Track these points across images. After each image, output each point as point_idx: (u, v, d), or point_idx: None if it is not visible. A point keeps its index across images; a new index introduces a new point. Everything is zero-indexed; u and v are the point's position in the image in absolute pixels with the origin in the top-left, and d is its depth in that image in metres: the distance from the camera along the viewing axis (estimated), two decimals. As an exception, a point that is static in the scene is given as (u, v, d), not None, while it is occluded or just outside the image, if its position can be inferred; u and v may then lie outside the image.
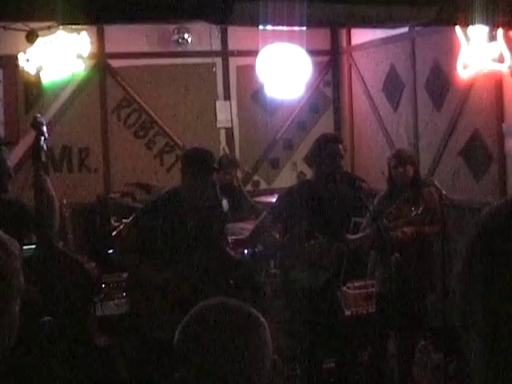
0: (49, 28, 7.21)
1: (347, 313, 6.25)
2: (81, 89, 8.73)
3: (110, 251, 6.95)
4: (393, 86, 8.45)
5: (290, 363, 6.05)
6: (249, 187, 9.26)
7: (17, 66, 8.05)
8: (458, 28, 6.87)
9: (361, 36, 9.08)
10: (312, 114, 9.68)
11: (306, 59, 8.64)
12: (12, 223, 4.66)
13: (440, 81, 7.57)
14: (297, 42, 8.26)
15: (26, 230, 4.95)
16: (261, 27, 5.59)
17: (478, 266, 1.17)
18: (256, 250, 6.31)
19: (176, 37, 8.90)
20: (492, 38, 6.58)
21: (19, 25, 7.10)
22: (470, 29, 6.73)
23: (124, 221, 7.41)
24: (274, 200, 6.19)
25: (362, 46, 9.08)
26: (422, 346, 6.60)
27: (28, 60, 7.95)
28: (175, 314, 4.84)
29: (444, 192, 5.71)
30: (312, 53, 8.77)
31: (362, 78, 9.11)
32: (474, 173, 7.16)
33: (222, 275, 5.31)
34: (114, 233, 7.61)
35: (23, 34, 7.16)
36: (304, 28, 5.65)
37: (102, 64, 8.83)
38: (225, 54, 9.33)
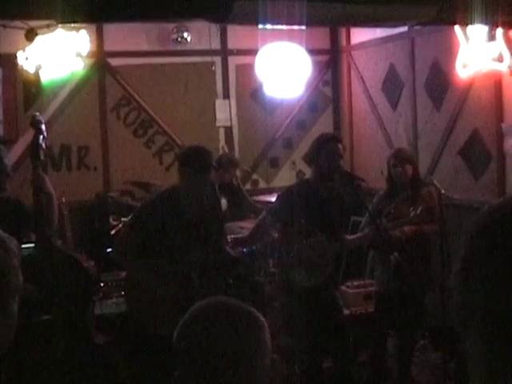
0: (48, 26, 7.20)
1: (346, 312, 6.25)
2: (80, 87, 8.72)
3: (109, 250, 6.95)
4: (392, 85, 8.45)
5: (289, 363, 6.05)
6: (248, 186, 9.26)
7: (16, 64, 8.04)
8: (457, 27, 6.87)
9: (360, 35, 9.08)
10: (311, 113, 9.68)
11: (306, 58, 8.63)
12: (10, 222, 4.67)
13: (439, 80, 7.57)
14: (296, 41, 8.25)
15: (24, 229, 4.94)
16: (260, 26, 5.58)
17: (477, 264, 1.17)
18: (254, 248, 6.31)
19: (175, 35, 8.89)
20: (491, 37, 6.58)
21: (18, 23, 7.09)
22: (470, 28, 6.73)
23: (123, 219, 7.41)
24: (273, 199, 6.19)
25: (362, 46, 9.08)
26: (421, 345, 6.60)
27: (27, 58, 7.94)
28: (174, 312, 4.84)
29: (443, 191, 5.71)
30: (311, 52, 8.76)
31: (362, 77, 9.11)
32: (473, 172, 7.16)
33: (220, 273, 5.31)
34: (112, 231, 7.61)
35: (22, 33, 7.15)
36: (303, 27, 5.64)
37: (101, 62, 8.83)
38: (224, 52, 9.33)
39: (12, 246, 1.78)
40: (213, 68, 9.25)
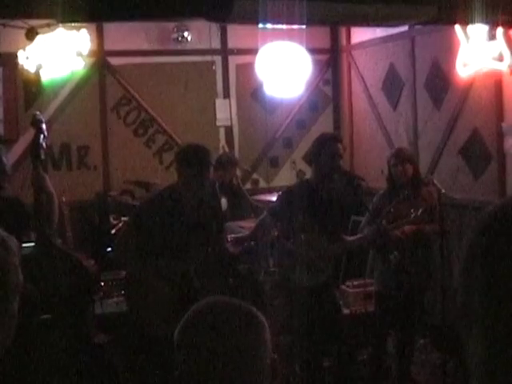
0: (48, 26, 7.20)
1: (346, 311, 6.25)
2: (80, 87, 8.72)
3: (109, 249, 6.96)
4: (392, 84, 8.45)
5: (289, 362, 6.05)
6: (248, 186, 9.26)
7: (16, 63, 8.04)
8: (457, 27, 6.87)
9: (360, 34, 9.08)
10: (311, 112, 9.68)
11: (306, 57, 8.63)
12: (10, 221, 4.67)
13: (440, 80, 7.57)
14: (296, 41, 8.25)
15: (24, 228, 4.95)
16: (260, 25, 5.58)
17: (480, 263, 1.17)
18: (253, 243, 6.29)
19: (175, 35, 8.89)
20: (492, 36, 6.58)
21: (19, 22, 7.10)
22: (470, 27, 6.73)
23: (123, 219, 7.41)
24: (273, 198, 6.19)
25: (362, 45, 9.08)
26: (421, 344, 6.61)
27: (27, 58, 7.94)
28: (174, 312, 4.84)
29: (443, 191, 5.71)
30: (312, 51, 8.76)
31: (362, 76, 9.11)
32: (473, 172, 7.16)
33: (221, 272, 5.31)
34: (113, 231, 7.61)
35: (23, 32, 7.15)
36: (304, 26, 5.64)
37: (101, 62, 8.83)
38: (224, 52, 9.33)
39: (12, 244, 1.77)
40: (213, 67, 9.25)
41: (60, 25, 7.33)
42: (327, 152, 5.43)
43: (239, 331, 2.01)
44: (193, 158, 5.11)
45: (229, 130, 9.36)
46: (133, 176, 8.70)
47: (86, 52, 8.22)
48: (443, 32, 7.27)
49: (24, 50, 7.91)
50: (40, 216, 4.73)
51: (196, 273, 5.12)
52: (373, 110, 8.86)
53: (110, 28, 8.66)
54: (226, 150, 9.07)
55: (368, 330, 6.16)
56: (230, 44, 9.31)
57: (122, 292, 6.28)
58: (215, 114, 9.28)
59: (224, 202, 7.37)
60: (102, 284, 6.54)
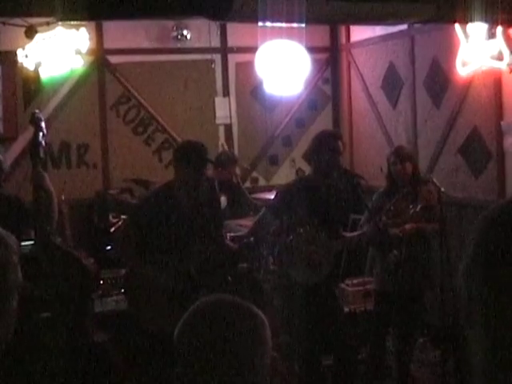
0: (48, 24, 7.19)
1: (345, 310, 6.25)
2: (79, 85, 8.72)
3: (109, 247, 6.96)
4: (392, 83, 8.45)
5: (289, 360, 6.05)
6: (247, 184, 9.26)
7: (15, 61, 8.04)
8: (457, 25, 6.87)
9: (360, 33, 9.07)
10: (311, 110, 9.67)
11: (305, 56, 8.62)
12: (10, 219, 4.67)
13: (439, 78, 7.57)
14: (296, 39, 8.24)
15: (24, 226, 4.95)
16: (260, 24, 5.58)
17: (483, 263, 1.17)
18: (252, 239, 6.28)
19: (175, 33, 8.89)
20: (491, 35, 6.58)
21: (18, 20, 7.09)
22: (469, 26, 6.73)
23: (122, 217, 7.41)
24: (272, 197, 6.18)
25: (361, 43, 9.08)
26: (421, 343, 6.61)
27: (27, 56, 7.94)
28: (174, 309, 4.85)
29: (443, 189, 5.71)
30: (311, 50, 8.75)
31: (361, 75, 9.10)
32: (472, 170, 7.16)
33: (220, 269, 5.30)
34: (112, 229, 7.61)
35: (22, 30, 7.14)
36: (303, 25, 5.64)
37: (100, 60, 8.82)
38: (224, 50, 9.32)
39: (11, 242, 1.78)
40: (212, 65, 9.24)
41: (59, 23, 7.33)
42: (327, 149, 5.43)
43: (240, 330, 2.01)
44: (190, 155, 5.10)
45: (228, 128, 9.36)
46: (132, 174, 8.70)
47: (85, 50, 8.22)
48: (443, 31, 7.27)
49: (23, 48, 7.90)
50: (39, 214, 4.73)
51: (196, 270, 5.12)
52: (372, 109, 8.86)
53: (110, 26, 8.65)
54: (226, 148, 9.06)
55: (367, 328, 6.16)
56: (230, 42, 9.30)
57: (122, 290, 6.29)
58: (215, 112, 9.28)
59: (223, 200, 7.36)
60: (102, 282, 6.54)
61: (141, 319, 5.16)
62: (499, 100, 6.75)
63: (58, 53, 7.96)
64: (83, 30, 8.09)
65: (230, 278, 5.42)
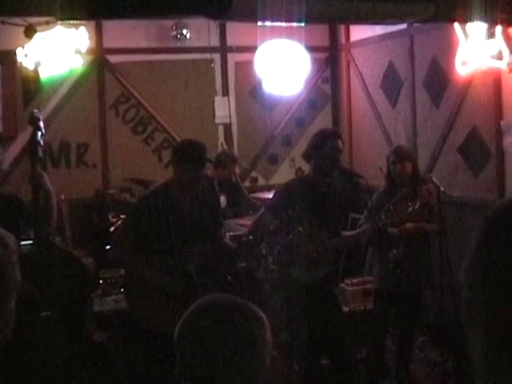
0: (47, 23, 7.18)
1: (345, 309, 6.25)
2: (79, 84, 8.72)
3: (108, 247, 6.95)
4: (391, 82, 8.45)
5: (288, 359, 6.05)
6: (247, 183, 9.26)
7: (15, 61, 8.04)
8: (456, 25, 6.86)
9: (359, 32, 9.08)
10: (310, 110, 9.68)
11: (305, 55, 8.63)
12: (9, 218, 4.67)
13: (438, 78, 7.57)
14: (295, 38, 8.25)
15: (23, 226, 4.95)
16: (259, 23, 5.58)
17: (485, 262, 1.17)
18: (251, 237, 6.27)
19: (174, 32, 8.89)
20: (491, 34, 6.58)
21: (17, 20, 7.07)
22: (469, 25, 6.72)
23: (122, 216, 7.41)
24: (271, 196, 6.17)
25: (361, 43, 9.08)
26: (420, 342, 6.61)
27: (26, 55, 7.94)
28: (173, 309, 4.84)
29: (442, 189, 5.71)
30: (310, 49, 8.77)
31: (361, 74, 9.10)
32: (472, 170, 7.16)
33: (219, 268, 5.30)
34: (111, 228, 7.61)
35: (21, 29, 7.13)
36: (302, 24, 5.64)
37: (100, 59, 8.82)
38: (223, 49, 9.32)
39: (10, 242, 1.78)
40: (212, 65, 9.24)
41: (59, 22, 7.33)
42: (327, 147, 5.42)
43: (239, 329, 2.00)
44: (188, 154, 5.10)
45: (228, 128, 9.36)
46: (132, 174, 8.70)
47: (84, 50, 8.22)
48: (442, 30, 7.26)
49: (23, 47, 7.91)
50: (38, 214, 4.73)
51: (195, 270, 5.12)
52: (372, 108, 8.86)
53: (109, 26, 8.65)
54: (225, 147, 9.07)
55: (367, 327, 6.16)
56: (229, 42, 9.30)
57: (121, 290, 6.29)
58: (214, 112, 9.28)
59: (223, 199, 7.36)
60: (101, 282, 6.54)
61: (140, 319, 5.15)
62: (499, 99, 6.75)
63: (57, 52, 7.96)
64: (83, 29, 8.09)
65: (229, 277, 5.42)
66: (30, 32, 7.10)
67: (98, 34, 8.73)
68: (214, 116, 9.28)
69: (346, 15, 5.57)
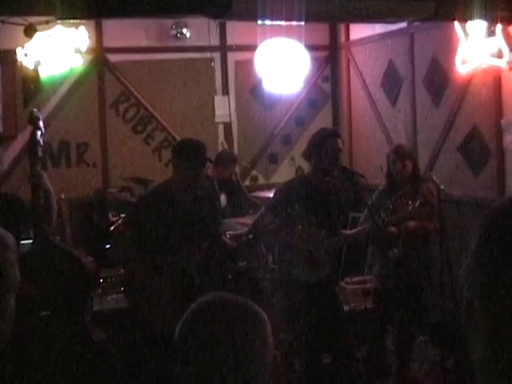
0: (47, 22, 7.19)
1: (345, 308, 6.25)
2: (79, 83, 8.71)
3: (108, 246, 6.95)
4: (391, 81, 8.45)
5: (289, 359, 6.05)
6: (247, 182, 9.26)
7: (15, 60, 8.04)
8: (456, 23, 6.86)
9: (359, 31, 9.07)
10: (310, 109, 9.67)
11: (305, 54, 8.63)
12: (9, 218, 4.67)
13: (438, 76, 7.57)
14: (295, 37, 8.25)
15: (23, 225, 4.95)
16: (259, 22, 5.58)
17: (486, 262, 1.17)
18: (251, 236, 6.28)
19: (174, 31, 8.88)
20: (491, 33, 6.58)
21: (17, 19, 7.09)
22: (469, 24, 6.72)
23: (122, 216, 7.41)
24: (272, 195, 6.17)
25: (361, 41, 9.07)
26: (420, 341, 6.60)
27: (26, 54, 7.93)
28: (174, 308, 4.84)
29: (442, 187, 5.71)
30: (310, 48, 8.76)
31: (361, 73, 9.10)
32: (472, 168, 7.15)
33: (219, 267, 5.30)
34: (111, 228, 7.61)
35: (21, 29, 7.15)
36: (302, 23, 5.64)
37: (100, 59, 8.82)
38: (223, 48, 9.32)
39: (9, 241, 1.78)
40: (212, 64, 9.24)
41: (59, 22, 7.33)
42: (328, 146, 5.42)
43: (240, 328, 2.00)
44: (189, 153, 5.10)
45: (228, 127, 9.36)
46: (132, 173, 8.70)
47: (84, 49, 8.22)
48: (442, 29, 7.26)
49: (23, 47, 7.91)
50: (38, 213, 4.72)
51: (195, 269, 5.12)
52: (372, 107, 8.85)
53: (109, 25, 8.65)
54: (225, 146, 9.06)
55: (367, 326, 6.16)
56: (229, 41, 9.30)
57: (121, 289, 6.29)
58: (214, 111, 9.28)
59: (223, 198, 7.37)
60: (101, 281, 6.55)
61: (140, 318, 5.15)
62: (499, 98, 6.75)
63: (57, 51, 7.96)
64: (82, 28, 8.09)
65: (229, 276, 5.42)
66: (30, 31, 7.12)
67: (98, 33, 8.72)
68: (214, 115, 9.28)
69: (345, 14, 5.57)
